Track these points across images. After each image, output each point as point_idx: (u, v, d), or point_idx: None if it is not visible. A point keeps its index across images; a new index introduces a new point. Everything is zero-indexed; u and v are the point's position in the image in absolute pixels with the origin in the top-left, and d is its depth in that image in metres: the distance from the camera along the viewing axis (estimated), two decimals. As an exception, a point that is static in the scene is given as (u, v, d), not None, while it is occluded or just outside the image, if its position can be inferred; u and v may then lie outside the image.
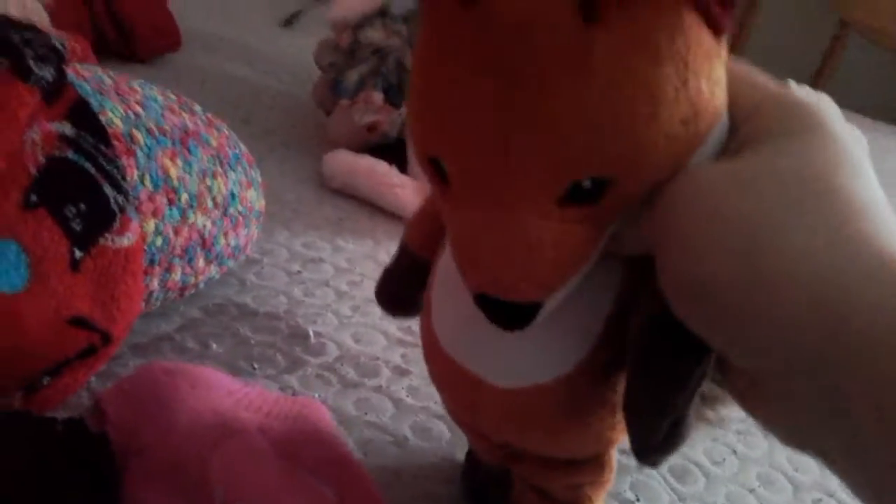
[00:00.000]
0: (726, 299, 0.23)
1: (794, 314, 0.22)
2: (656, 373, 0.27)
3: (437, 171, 0.25)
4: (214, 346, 0.49)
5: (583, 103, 0.22)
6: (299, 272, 0.59)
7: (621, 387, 0.30)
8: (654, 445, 0.28)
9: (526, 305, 0.25)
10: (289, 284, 0.57)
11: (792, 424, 0.24)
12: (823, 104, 0.26)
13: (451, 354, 0.32)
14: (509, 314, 0.25)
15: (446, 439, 0.45)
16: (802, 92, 0.26)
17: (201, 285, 0.50)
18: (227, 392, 0.41)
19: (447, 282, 0.33)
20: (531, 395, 0.30)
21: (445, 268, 0.33)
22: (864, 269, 0.21)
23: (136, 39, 0.88)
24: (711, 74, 0.24)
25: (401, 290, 0.38)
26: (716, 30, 0.23)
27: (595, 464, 0.35)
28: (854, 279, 0.21)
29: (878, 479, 0.21)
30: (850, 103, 1.03)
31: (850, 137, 0.25)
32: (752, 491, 0.47)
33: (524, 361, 0.30)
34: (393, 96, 0.74)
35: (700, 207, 0.24)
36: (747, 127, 0.25)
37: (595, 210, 0.24)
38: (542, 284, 0.25)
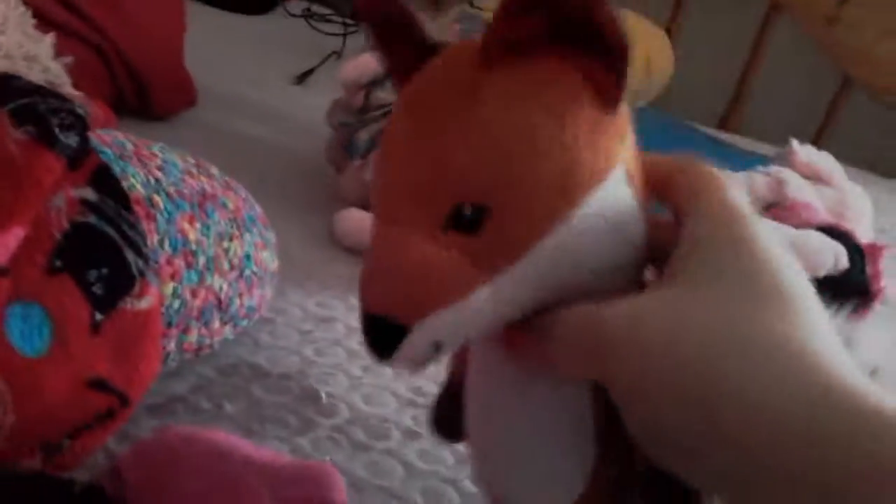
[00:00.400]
0: (688, 447, 0.23)
1: (760, 459, 0.22)
2: None
3: None
4: (228, 406, 0.49)
5: (466, 132, 0.25)
6: (311, 332, 0.59)
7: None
8: None
9: (393, 326, 0.26)
10: (301, 344, 0.57)
11: None
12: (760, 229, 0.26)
13: (485, 484, 0.33)
14: (380, 337, 0.26)
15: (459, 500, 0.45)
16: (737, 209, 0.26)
17: (216, 346, 0.50)
18: (241, 457, 0.41)
19: (471, 417, 0.34)
20: None
21: (469, 403, 0.33)
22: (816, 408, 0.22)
23: (153, 97, 0.90)
24: (595, 144, 0.26)
25: (450, 416, 0.38)
26: (604, 102, 0.26)
27: None
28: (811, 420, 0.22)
29: None
30: (853, 158, 1.04)
31: (780, 262, 0.25)
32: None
33: (536, 485, 0.31)
34: (404, 156, 0.75)
35: (649, 352, 0.24)
36: (688, 248, 0.26)
37: (476, 243, 0.26)
38: (407, 302, 0.26)
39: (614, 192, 0.27)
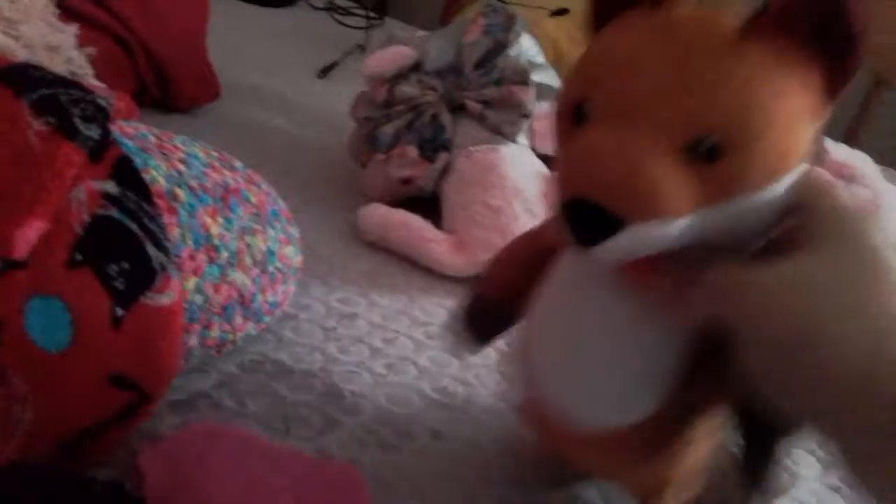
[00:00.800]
0: (808, 388, 0.29)
1: (848, 388, 0.27)
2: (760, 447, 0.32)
3: (570, 118, 0.30)
4: (251, 404, 0.48)
5: (730, 78, 0.28)
6: (335, 328, 0.58)
7: (696, 428, 0.34)
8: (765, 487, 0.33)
9: (609, 220, 0.27)
10: (324, 341, 0.56)
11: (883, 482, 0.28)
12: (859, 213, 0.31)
13: (544, 392, 0.36)
14: (594, 226, 0.28)
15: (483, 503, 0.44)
16: (846, 200, 0.31)
17: (239, 342, 0.50)
18: (264, 455, 0.40)
19: (548, 330, 0.36)
20: (613, 436, 0.34)
21: (545, 317, 0.36)
22: None
23: (176, 90, 0.89)
24: (806, 130, 0.30)
25: (483, 331, 0.43)
26: (827, 96, 0.30)
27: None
28: None
29: None
30: (887, 158, 1.01)
31: (886, 246, 0.30)
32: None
33: (607, 401, 0.34)
34: (427, 151, 0.74)
35: (768, 300, 0.29)
36: (803, 221, 0.30)
37: (705, 174, 0.28)
38: (635, 200, 0.27)
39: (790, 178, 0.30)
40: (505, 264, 0.40)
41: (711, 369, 0.32)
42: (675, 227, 0.28)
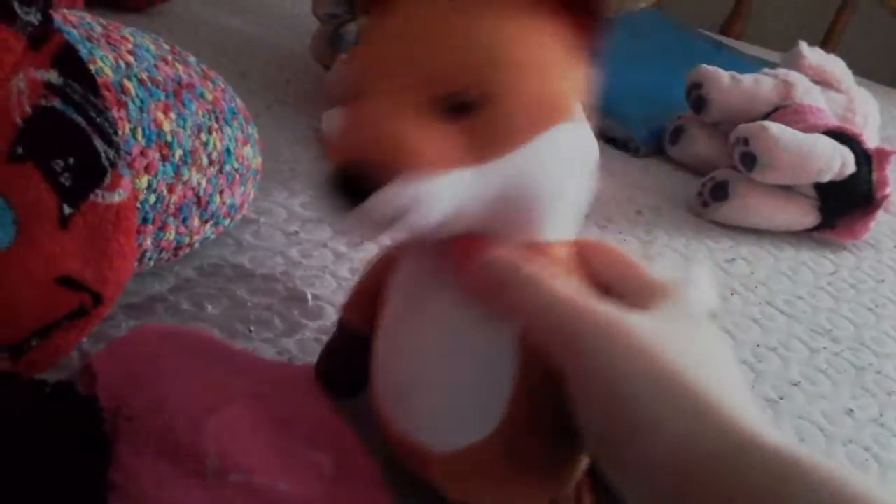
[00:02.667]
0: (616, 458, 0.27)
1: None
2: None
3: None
4: (210, 307, 0.47)
5: (464, 36, 0.28)
6: (297, 232, 0.57)
7: (557, 441, 0.32)
8: None
9: (370, 176, 0.26)
10: (286, 245, 0.55)
11: None
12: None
13: (391, 421, 0.34)
14: (351, 186, 0.27)
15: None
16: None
17: (196, 245, 0.48)
18: (221, 356, 0.39)
19: (383, 353, 0.35)
20: (466, 456, 0.32)
21: (381, 338, 0.35)
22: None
23: (128, -13, 0.85)
24: (563, 80, 0.30)
25: (341, 368, 0.40)
26: (576, 45, 0.30)
27: None
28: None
29: None
30: (859, 68, 1.00)
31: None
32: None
33: (451, 423, 0.32)
34: (394, 52, 0.71)
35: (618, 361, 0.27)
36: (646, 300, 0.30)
37: (465, 128, 0.28)
38: (392, 152, 0.27)
39: (581, 134, 0.31)
40: (358, 291, 0.39)
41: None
42: (445, 184, 0.28)
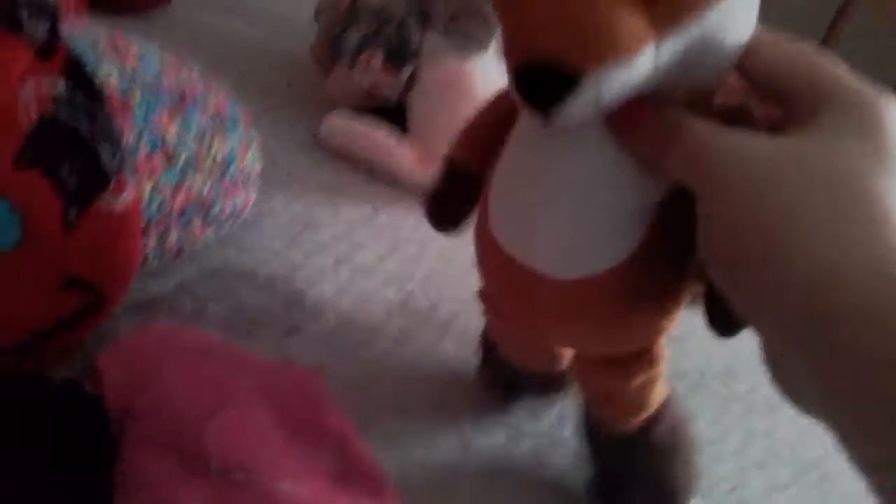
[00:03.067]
0: (747, 282, 0.26)
1: (797, 320, 0.24)
2: None
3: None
4: (212, 308, 0.48)
5: None
6: (298, 235, 0.58)
7: (674, 275, 0.32)
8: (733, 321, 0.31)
9: (567, 75, 0.25)
10: (287, 247, 0.56)
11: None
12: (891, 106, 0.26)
13: (510, 252, 0.34)
14: (548, 86, 0.26)
15: (447, 407, 0.45)
16: (877, 95, 0.27)
17: (199, 248, 0.49)
18: (225, 357, 0.40)
19: (508, 183, 0.34)
20: (587, 286, 0.32)
21: (506, 171, 0.34)
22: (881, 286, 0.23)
23: (129, -7, 0.86)
24: None
25: (454, 206, 0.40)
26: None
27: (646, 357, 0.38)
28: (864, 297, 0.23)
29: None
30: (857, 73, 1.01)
31: None
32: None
33: (580, 252, 0.32)
34: (394, 59, 0.72)
35: (748, 184, 0.25)
36: (817, 109, 0.27)
37: (649, 7, 0.26)
38: (590, 49, 0.25)
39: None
40: (472, 130, 0.38)
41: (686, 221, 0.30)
42: (635, 68, 0.26)
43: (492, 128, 0.36)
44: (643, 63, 0.26)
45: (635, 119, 0.29)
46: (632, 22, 0.25)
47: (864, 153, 0.25)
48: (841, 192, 0.24)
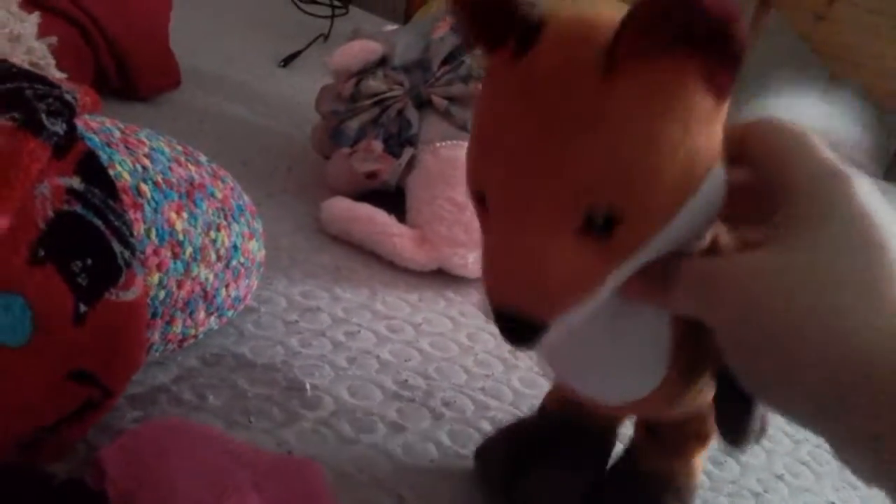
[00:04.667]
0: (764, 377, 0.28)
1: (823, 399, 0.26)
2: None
3: (481, 204, 0.30)
4: (211, 397, 0.48)
5: (596, 142, 0.26)
6: (297, 322, 0.59)
7: (701, 372, 0.36)
8: (742, 432, 0.33)
9: (533, 324, 0.28)
10: (286, 335, 0.57)
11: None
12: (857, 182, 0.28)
13: (572, 388, 0.39)
14: (518, 332, 0.28)
15: (446, 498, 0.45)
16: (837, 168, 0.28)
17: (200, 336, 0.50)
18: (225, 450, 0.40)
19: (561, 357, 0.38)
20: (637, 404, 0.37)
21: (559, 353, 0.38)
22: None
23: (136, 78, 0.89)
24: (709, 135, 0.28)
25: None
26: (717, 95, 0.27)
27: (697, 418, 0.42)
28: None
29: None
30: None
31: (881, 213, 0.27)
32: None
33: (622, 386, 0.37)
34: (393, 146, 0.75)
35: (743, 298, 0.27)
36: (791, 209, 0.28)
37: (607, 245, 0.27)
38: (550, 303, 0.28)
39: (717, 171, 0.29)
40: None
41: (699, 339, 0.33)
42: (601, 294, 0.29)
43: None
44: (607, 288, 0.29)
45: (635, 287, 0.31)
46: (588, 263, 0.28)
47: (837, 247, 0.27)
48: (826, 289, 0.26)
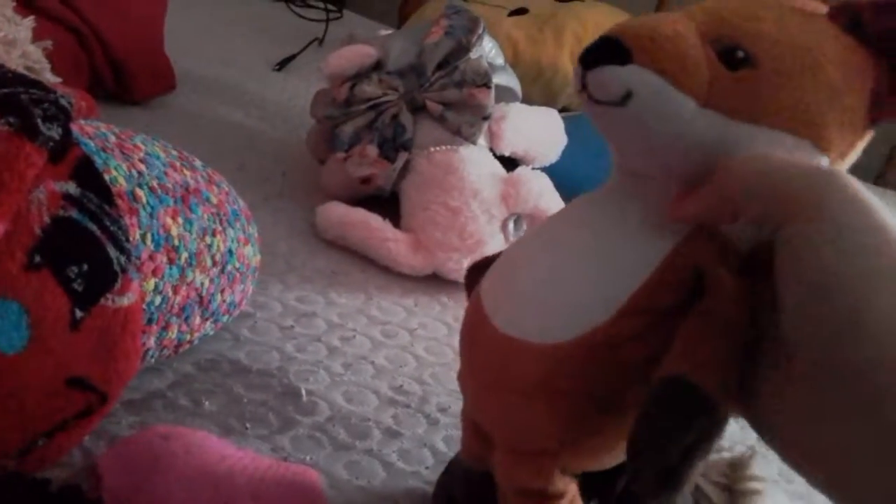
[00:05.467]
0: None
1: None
2: (661, 420, 0.28)
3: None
4: (207, 403, 0.48)
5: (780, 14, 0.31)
6: (292, 327, 0.59)
7: (623, 383, 0.31)
8: (644, 482, 0.28)
9: (617, 48, 0.29)
10: (281, 340, 0.57)
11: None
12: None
13: (493, 320, 0.35)
14: (595, 47, 0.30)
15: None
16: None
17: (196, 342, 0.50)
18: (221, 457, 0.40)
19: (513, 254, 0.37)
20: (547, 356, 0.32)
21: (513, 247, 0.38)
22: None
23: (132, 82, 0.89)
24: (850, 111, 0.30)
25: None
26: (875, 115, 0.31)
27: (543, 475, 0.35)
28: None
29: None
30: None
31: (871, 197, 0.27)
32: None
33: (554, 315, 0.33)
34: (387, 150, 0.75)
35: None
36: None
37: (726, 78, 0.29)
38: (646, 39, 0.29)
39: (823, 160, 0.31)
40: None
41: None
42: (680, 106, 0.29)
43: None
44: (682, 105, 0.29)
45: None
46: (697, 63, 0.29)
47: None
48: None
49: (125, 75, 0.88)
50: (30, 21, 0.61)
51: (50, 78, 0.61)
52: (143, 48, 0.91)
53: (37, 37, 0.62)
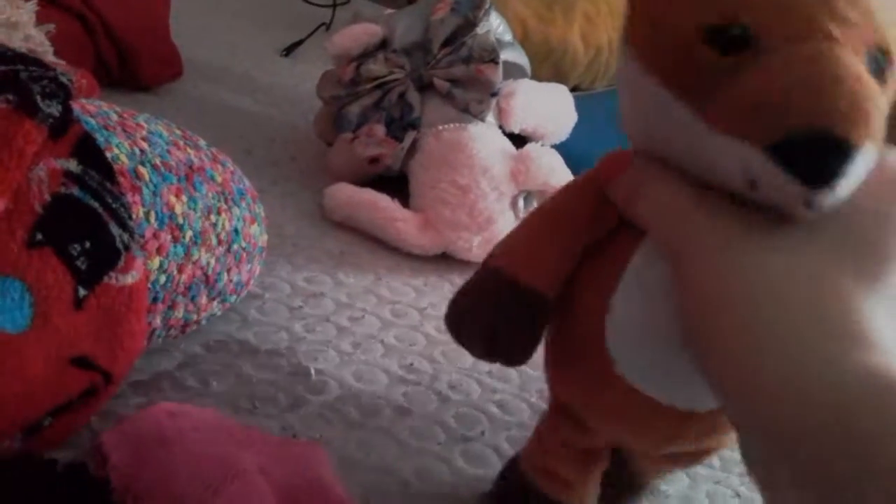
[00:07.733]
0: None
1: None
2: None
3: (715, 45, 0.26)
4: (215, 383, 0.48)
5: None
6: (301, 307, 0.58)
7: None
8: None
9: (843, 147, 0.24)
10: (290, 320, 0.56)
11: None
12: None
13: (627, 378, 0.33)
14: (825, 157, 0.24)
15: (449, 483, 0.45)
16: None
17: (203, 322, 0.49)
18: (229, 434, 0.40)
19: (638, 300, 0.32)
20: (704, 417, 0.33)
21: (636, 284, 0.32)
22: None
23: (138, 68, 0.88)
24: None
25: (525, 338, 0.36)
26: None
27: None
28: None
29: None
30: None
31: None
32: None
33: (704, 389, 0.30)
34: (395, 130, 0.74)
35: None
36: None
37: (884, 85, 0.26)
38: (868, 119, 0.24)
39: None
40: (537, 248, 0.34)
41: None
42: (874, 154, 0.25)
43: (564, 247, 0.34)
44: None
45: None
46: (881, 104, 0.25)
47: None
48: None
49: (131, 61, 0.87)
50: (32, 4, 0.60)
51: (53, 61, 0.61)
52: (149, 34, 0.90)
53: (40, 22, 0.62)
